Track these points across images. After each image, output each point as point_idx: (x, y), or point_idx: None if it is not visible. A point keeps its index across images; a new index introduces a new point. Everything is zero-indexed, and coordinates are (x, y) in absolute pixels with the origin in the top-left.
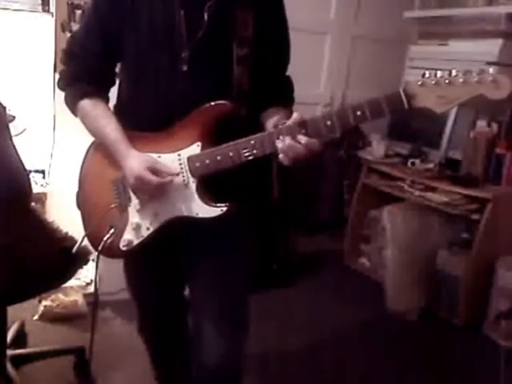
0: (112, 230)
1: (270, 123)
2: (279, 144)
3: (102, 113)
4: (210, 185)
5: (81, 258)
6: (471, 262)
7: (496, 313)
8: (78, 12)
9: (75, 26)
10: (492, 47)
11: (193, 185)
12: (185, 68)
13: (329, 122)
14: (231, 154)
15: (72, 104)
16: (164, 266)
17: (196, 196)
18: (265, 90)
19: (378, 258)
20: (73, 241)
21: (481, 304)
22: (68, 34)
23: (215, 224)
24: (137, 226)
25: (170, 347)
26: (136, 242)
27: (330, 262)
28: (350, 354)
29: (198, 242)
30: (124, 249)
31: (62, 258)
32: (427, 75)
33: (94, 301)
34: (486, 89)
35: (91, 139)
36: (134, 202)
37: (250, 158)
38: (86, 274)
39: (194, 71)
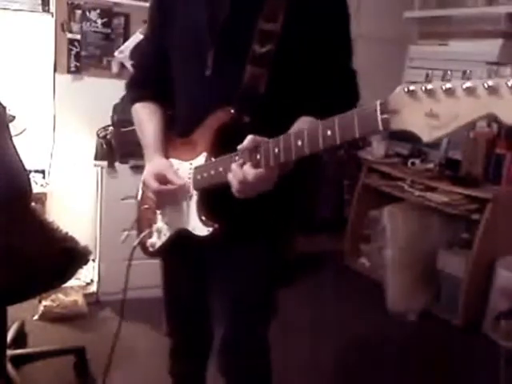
0: (148, 230)
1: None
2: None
3: (146, 117)
4: (216, 201)
5: (81, 258)
6: (471, 262)
7: (496, 313)
8: (78, 12)
9: (75, 26)
10: (492, 47)
11: (194, 198)
12: (208, 73)
13: (299, 143)
14: (220, 169)
15: (129, 108)
16: (187, 272)
17: (195, 210)
18: (302, 97)
19: (377, 258)
20: (73, 241)
21: (481, 304)
22: (68, 34)
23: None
24: (158, 230)
25: (192, 348)
26: (158, 245)
27: (330, 262)
28: (350, 353)
29: (214, 256)
30: (150, 249)
31: (62, 258)
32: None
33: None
34: (501, 106)
35: (91, 139)
36: None
37: None
38: (86, 274)
39: (215, 75)
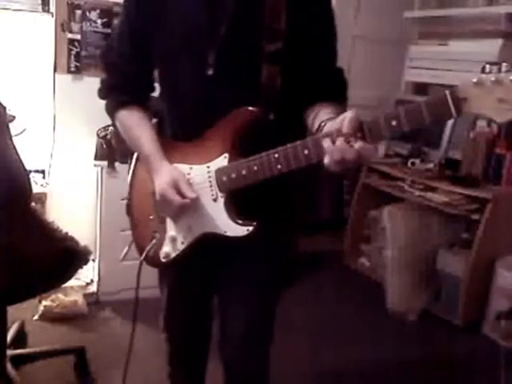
0: (154, 241)
1: (316, 122)
2: (325, 144)
3: (137, 122)
4: (241, 200)
5: (81, 258)
6: (471, 262)
7: (496, 313)
8: (78, 12)
9: (75, 26)
10: (492, 47)
11: (221, 200)
12: (210, 72)
13: (359, 134)
14: (255, 168)
15: (111, 115)
16: (198, 277)
17: (224, 212)
18: (306, 89)
19: (378, 258)
20: (73, 241)
21: (481, 304)
22: (68, 34)
23: (247, 241)
24: (173, 238)
25: (192, 352)
26: (173, 255)
27: (330, 262)
28: (350, 353)
29: (232, 256)
30: (164, 261)
31: (62, 258)
32: (487, 69)
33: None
34: None
35: (91, 139)
36: None
37: (282, 171)
38: (86, 274)
39: (219, 74)
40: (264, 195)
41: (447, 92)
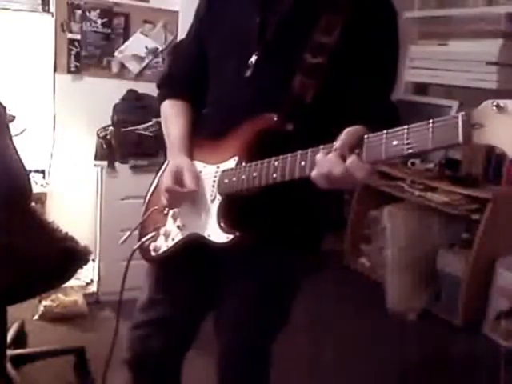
0: (153, 233)
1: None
2: (318, 156)
3: (174, 114)
4: (239, 207)
5: (81, 258)
6: (471, 262)
7: (496, 313)
8: (78, 12)
9: (75, 26)
10: (492, 47)
11: (217, 202)
12: (248, 74)
13: (357, 150)
14: (254, 174)
15: (159, 105)
16: (193, 284)
17: (215, 215)
18: (347, 115)
19: (378, 258)
20: (73, 241)
21: (481, 304)
22: (68, 34)
23: (240, 253)
24: (167, 233)
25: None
26: (162, 250)
27: (330, 262)
28: (350, 354)
29: (224, 267)
30: (153, 254)
31: (62, 258)
32: None
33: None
34: None
35: (91, 139)
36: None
37: (276, 180)
38: (86, 273)
39: (256, 77)
40: (266, 207)
41: (461, 114)
